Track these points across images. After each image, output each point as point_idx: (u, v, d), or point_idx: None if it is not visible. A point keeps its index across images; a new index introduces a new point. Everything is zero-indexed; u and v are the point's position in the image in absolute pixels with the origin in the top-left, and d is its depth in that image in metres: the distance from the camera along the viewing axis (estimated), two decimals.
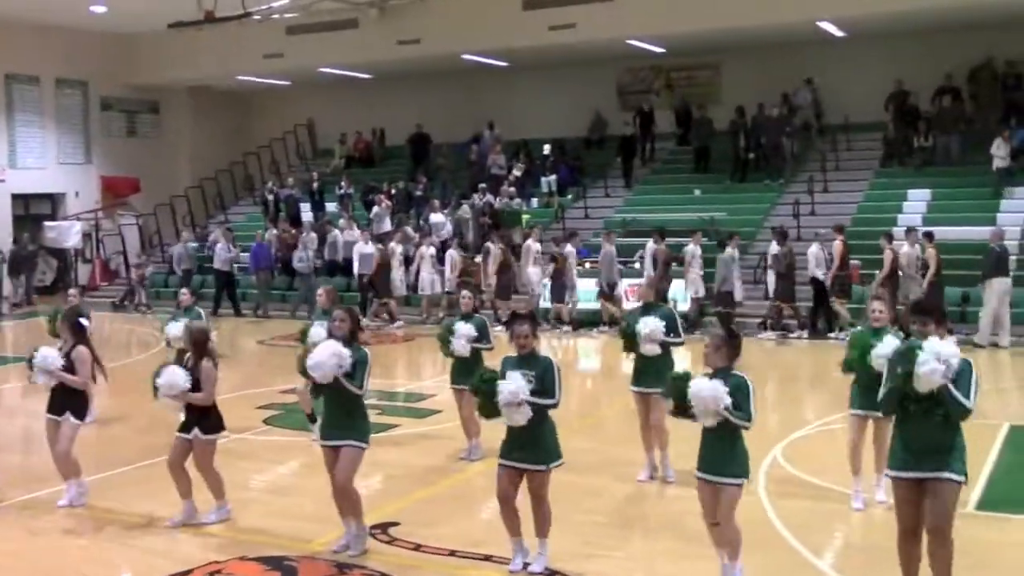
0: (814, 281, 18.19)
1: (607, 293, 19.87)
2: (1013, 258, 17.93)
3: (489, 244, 21.12)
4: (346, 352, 7.27)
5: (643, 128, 26.11)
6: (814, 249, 18.19)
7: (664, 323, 8.99)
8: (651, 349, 8.95)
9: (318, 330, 9.52)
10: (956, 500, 5.82)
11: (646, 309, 9.16)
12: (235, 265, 24.08)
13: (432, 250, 21.86)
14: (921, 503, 5.83)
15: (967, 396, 5.63)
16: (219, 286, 23.77)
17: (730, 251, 18.88)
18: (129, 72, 29.38)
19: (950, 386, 5.62)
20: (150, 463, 9.88)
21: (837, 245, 18.32)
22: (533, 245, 20.78)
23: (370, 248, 22.02)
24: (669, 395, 6.43)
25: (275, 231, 25.26)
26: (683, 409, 6.33)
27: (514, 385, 6.71)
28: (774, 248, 18.60)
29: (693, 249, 19.27)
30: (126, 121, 30.79)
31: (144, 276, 25.97)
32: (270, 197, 27.76)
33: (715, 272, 18.87)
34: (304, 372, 7.62)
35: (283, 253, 24.46)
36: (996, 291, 16.81)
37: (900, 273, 17.41)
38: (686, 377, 6.36)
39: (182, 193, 29.67)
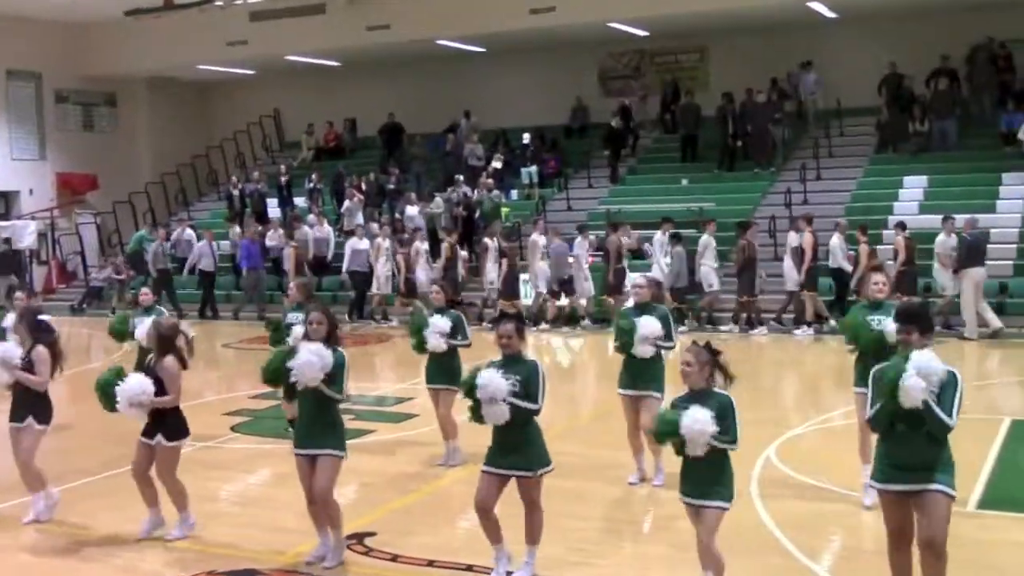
0: (836, 273, 18.17)
1: (555, 291, 20.04)
2: (1012, 246, 18.06)
3: (486, 240, 21.05)
4: (328, 355, 7.24)
5: (626, 121, 26.15)
6: (836, 240, 18.19)
7: (660, 324, 9.00)
8: (645, 351, 8.97)
9: (299, 330, 9.47)
10: (949, 513, 5.84)
11: (643, 309, 9.16)
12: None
13: (426, 246, 21.77)
14: (910, 512, 5.89)
15: (949, 413, 5.70)
16: (206, 287, 23.67)
17: (706, 238, 19.15)
18: (84, 63, 29.21)
19: (931, 404, 5.69)
20: (113, 474, 9.84)
21: (807, 237, 18.60)
22: (491, 244, 20.82)
23: (364, 244, 21.97)
24: (662, 434, 6.33)
25: (238, 228, 25.20)
26: (676, 444, 6.23)
27: (491, 385, 6.71)
28: (793, 239, 18.58)
29: (707, 240, 19.16)
30: (82, 114, 30.63)
31: (131, 275, 25.31)
32: (235, 192, 27.67)
33: (671, 264, 19.16)
34: (269, 381, 7.60)
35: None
36: (973, 281, 17.06)
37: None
38: (674, 418, 6.18)
39: (142, 189, 29.54)
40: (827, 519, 8.27)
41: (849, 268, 18.13)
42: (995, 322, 16.90)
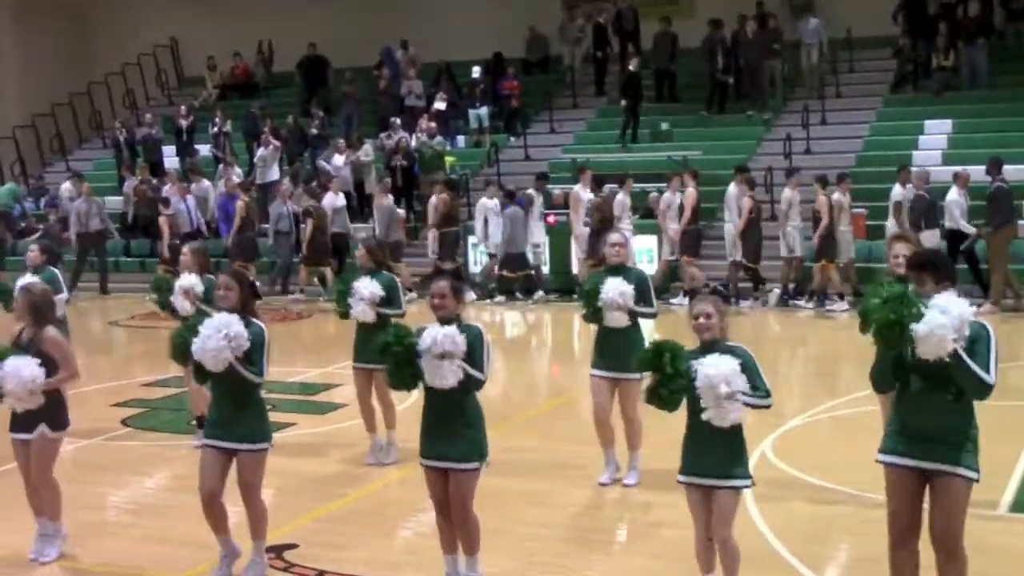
0: (953, 235, 18.01)
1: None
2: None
3: (433, 196, 20.92)
4: (241, 329, 7.19)
5: (597, 46, 26.16)
6: (954, 196, 17.98)
7: (634, 288, 9.01)
8: (617, 319, 8.99)
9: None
10: (967, 500, 5.81)
11: (615, 271, 9.18)
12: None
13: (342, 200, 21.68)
14: (920, 496, 5.85)
15: (986, 368, 5.57)
16: (82, 252, 23.09)
17: (621, 198, 19.37)
18: None
19: (963, 354, 5.54)
20: None
21: (690, 193, 19.02)
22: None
23: (342, 200, 21.79)
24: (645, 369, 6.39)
25: (132, 180, 24.90)
26: (669, 399, 6.29)
27: (445, 338, 6.67)
28: (821, 199, 18.49)
29: (791, 195, 18.81)
30: None
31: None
32: (123, 138, 27.34)
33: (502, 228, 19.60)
34: (177, 356, 7.56)
35: (144, 209, 24.08)
36: (928, 245, 17.38)
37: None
38: (675, 354, 6.26)
39: (9, 134, 29.12)
40: (834, 525, 8.37)
41: (972, 230, 17.79)
42: None
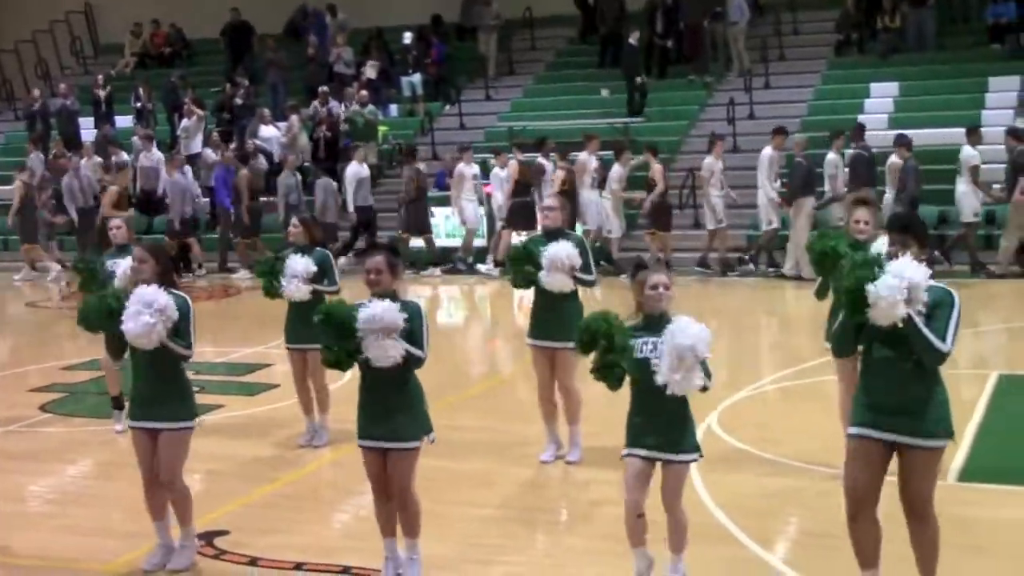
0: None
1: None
2: (999, 166, 18.48)
3: (407, 168, 20.82)
4: (169, 300, 7.13)
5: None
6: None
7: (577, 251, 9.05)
8: (559, 282, 9.00)
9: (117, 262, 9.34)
10: (936, 468, 6.01)
11: (554, 236, 9.19)
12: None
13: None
14: (883, 471, 5.99)
15: (942, 336, 5.70)
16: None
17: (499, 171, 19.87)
18: None
19: (916, 319, 5.66)
20: None
21: (513, 165, 19.60)
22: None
23: (366, 171, 21.51)
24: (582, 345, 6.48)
25: (40, 155, 24.50)
26: (610, 370, 6.39)
27: (385, 314, 6.62)
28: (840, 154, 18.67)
29: (712, 163, 19.04)
30: None
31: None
32: (35, 108, 26.94)
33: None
34: (88, 319, 7.49)
35: (57, 184, 23.72)
36: (805, 213, 17.95)
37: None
38: (609, 327, 6.37)
39: None
40: (783, 499, 8.46)
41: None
42: (807, 271, 17.47)
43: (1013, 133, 18.16)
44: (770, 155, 18.58)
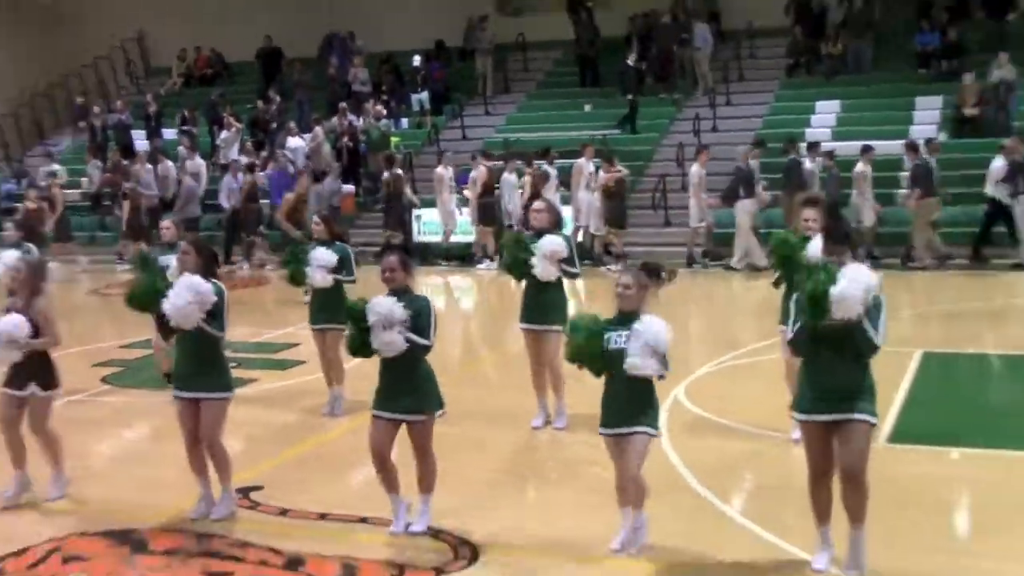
0: (993, 203, 17.64)
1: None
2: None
3: (386, 173, 20.78)
4: (206, 288, 7.18)
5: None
6: (999, 163, 17.67)
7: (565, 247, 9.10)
8: (547, 271, 9.05)
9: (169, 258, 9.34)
10: (869, 442, 6.11)
11: (540, 234, 9.22)
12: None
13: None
14: (830, 445, 6.09)
15: (877, 330, 5.85)
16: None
17: (507, 176, 19.74)
18: None
19: (864, 318, 5.80)
20: None
21: (481, 171, 19.72)
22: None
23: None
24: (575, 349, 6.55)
25: (99, 163, 24.54)
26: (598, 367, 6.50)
27: (387, 308, 6.68)
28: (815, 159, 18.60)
29: (698, 170, 18.79)
30: None
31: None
32: (96, 123, 26.91)
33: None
34: (136, 299, 7.55)
35: (112, 188, 23.71)
36: (748, 213, 18.08)
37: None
38: (596, 329, 6.46)
39: None
40: (738, 459, 8.53)
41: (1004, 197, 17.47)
42: (761, 258, 17.56)
43: (911, 147, 18.24)
44: (698, 170, 18.73)
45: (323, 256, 9.89)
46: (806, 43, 24.09)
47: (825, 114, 22.60)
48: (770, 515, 7.15)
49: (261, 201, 21.82)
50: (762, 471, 8.30)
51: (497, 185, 20.04)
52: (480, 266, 19.92)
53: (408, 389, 6.89)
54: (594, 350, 6.45)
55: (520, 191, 19.73)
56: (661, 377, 6.44)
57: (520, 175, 19.92)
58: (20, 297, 7.95)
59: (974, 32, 22.94)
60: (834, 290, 5.72)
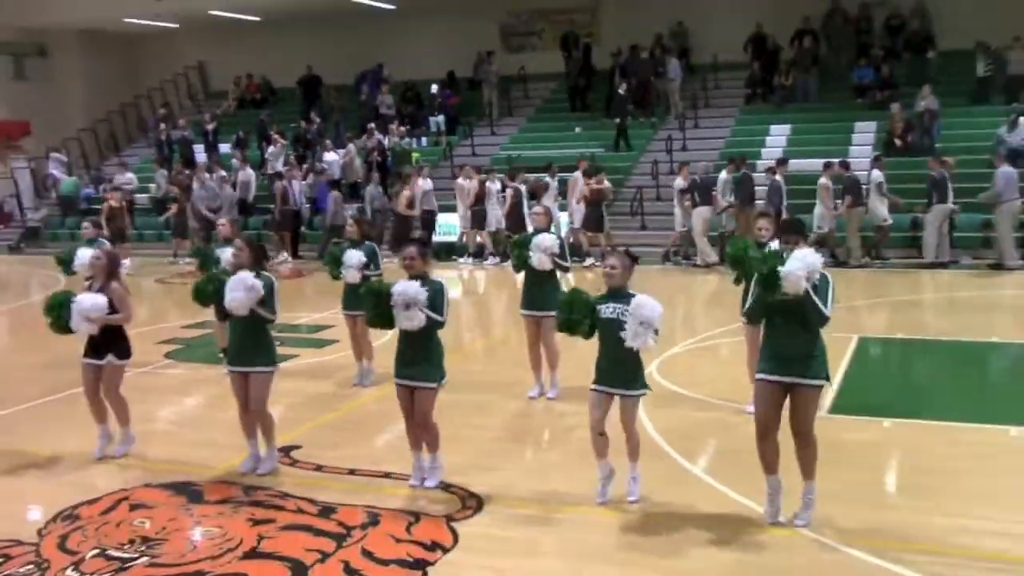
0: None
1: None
2: (863, 188, 18.39)
3: (460, 180, 20.56)
4: (256, 282, 7.15)
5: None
6: (1007, 169, 17.23)
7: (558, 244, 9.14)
8: (543, 261, 9.02)
9: (225, 251, 9.35)
10: (817, 403, 6.08)
11: (538, 232, 9.25)
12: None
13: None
14: (782, 404, 6.05)
15: (826, 305, 5.85)
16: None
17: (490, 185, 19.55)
18: (14, 14, 27.78)
19: (811, 292, 5.78)
20: (52, 399, 9.62)
21: (472, 183, 19.69)
22: (424, 183, 20.68)
23: (430, 184, 20.89)
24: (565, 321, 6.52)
25: (164, 172, 24.48)
26: (578, 325, 6.48)
27: (409, 290, 6.71)
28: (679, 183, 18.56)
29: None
30: (13, 64, 29.23)
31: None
32: (163, 137, 26.81)
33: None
34: (198, 297, 7.52)
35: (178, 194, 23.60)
36: (702, 218, 18.09)
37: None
38: (584, 296, 6.50)
39: (75, 136, 28.43)
40: (704, 427, 8.49)
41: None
42: (712, 256, 17.74)
43: (843, 164, 18.14)
44: (680, 183, 18.57)
45: (354, 257, 9.83)
46: (762, 76, 24.00)
47: (778, 136, 22.47)
48: (730, 474, 7.11)
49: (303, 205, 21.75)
50: (723, 437, 8.24)
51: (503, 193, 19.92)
52: (486, 262, 19.85)
53: (421, 358, 6.86)
54: (580, 306, 6.45)
55: (504, 199, 19.64)
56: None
57: (503, 187, 19.84)
58: (98, 281, 7.92)
59: (903, 68, 22.90)
60: (782, 269, 5.74)
